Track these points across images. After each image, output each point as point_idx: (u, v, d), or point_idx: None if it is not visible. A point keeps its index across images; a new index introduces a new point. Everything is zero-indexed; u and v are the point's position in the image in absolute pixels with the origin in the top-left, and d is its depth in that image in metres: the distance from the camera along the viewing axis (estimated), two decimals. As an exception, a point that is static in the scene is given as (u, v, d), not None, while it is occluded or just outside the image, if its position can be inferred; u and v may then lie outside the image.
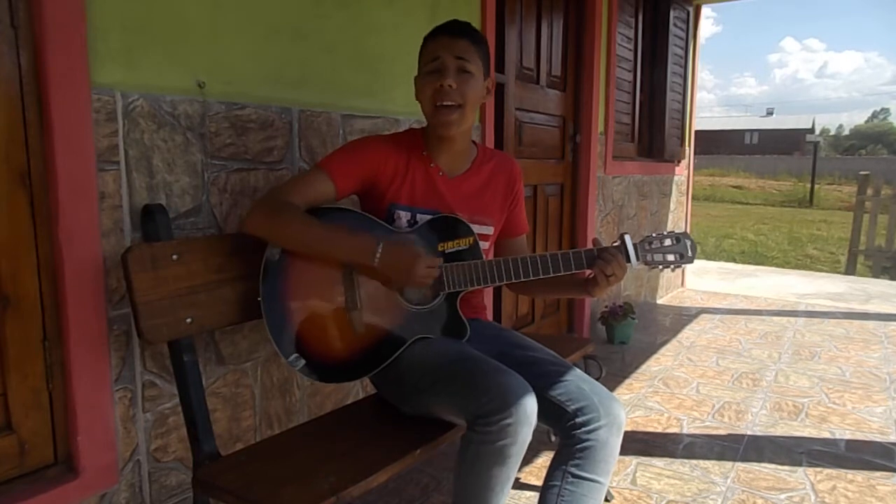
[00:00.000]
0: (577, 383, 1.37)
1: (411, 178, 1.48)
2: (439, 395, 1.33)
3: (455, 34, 1.44)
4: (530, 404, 1.21)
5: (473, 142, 1.60)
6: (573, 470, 1.32)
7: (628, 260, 1.39)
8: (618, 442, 1.35)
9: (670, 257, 1.42)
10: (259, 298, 1.35)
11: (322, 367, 1.39)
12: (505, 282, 1.42)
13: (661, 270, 1.45)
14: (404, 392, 1.43)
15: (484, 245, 1.55)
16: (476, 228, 1.50)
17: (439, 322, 1.46)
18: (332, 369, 1.40)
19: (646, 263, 1.42)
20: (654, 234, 1.43)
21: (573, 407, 1.34)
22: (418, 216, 1.47)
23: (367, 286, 1.40)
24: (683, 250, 1.42)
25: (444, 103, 1.42)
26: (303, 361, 1.36)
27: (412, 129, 1.58)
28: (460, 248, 1.46)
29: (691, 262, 1.43)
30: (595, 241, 1.42)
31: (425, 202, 1.48)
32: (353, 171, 1.42)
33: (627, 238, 1.39)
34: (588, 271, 1.41)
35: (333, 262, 1.38)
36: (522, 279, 1.41)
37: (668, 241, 1.42)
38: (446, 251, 1.45)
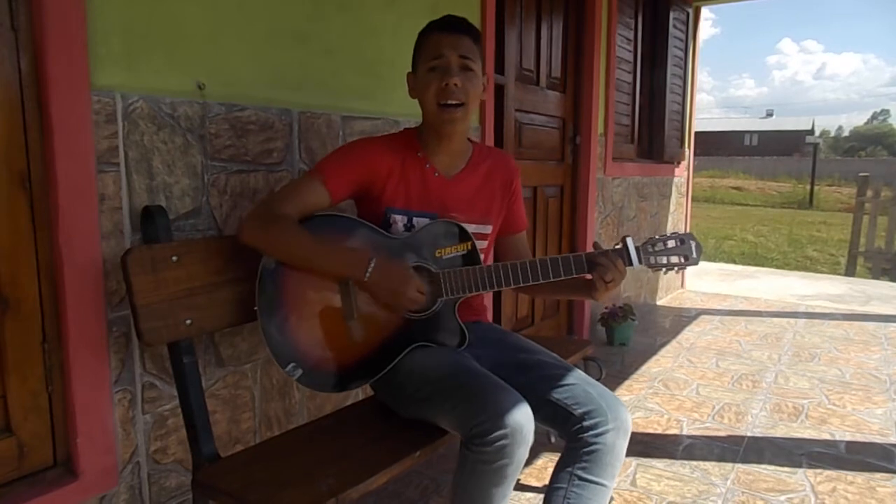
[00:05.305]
0: (583, 387, 1.37)
1: (406, 180, 1.46)
2: (436, 407, 1.33)
3: (458, 31, 1.42)
4: (527, 424, 1.21)
5: (469, 140, 1.58)
6: (580, 473, 1.31)
7: (630, 263, 1.36)
8: (624, 445, 1.34)
9: (674, 259, 1.39)
10: (255, 308, 1.34)
11: (319, 375, 1.38)
12: (503, 287, 1.41)
13: (665, 273, 1.42)
14: (403, 399, 1.43)
15: (483, 244, 1.54)
16: (475, 228, 1.49)
17: (438, 329, 1.44)
18: (329, 378, 1.39)
19: (649, 266, 1.39)
20: (657, 236, 1.40)
21: (580, 411, 1.33)
22: (415, 220, 1.46)
23: (364, 294, 1.38)
24: (688, 252, 1.39)
25: (450, 102, 1.40)
26: (300, 371, 1.34)
27: (407, 129, 1.56)
28: (458, 254, 1.44)
29: (696, 263, 1.39)
30: (595, 245, 1.39)
31: (421, 205, 1.47)
32: (347, 176, 1.41)
33: (629, 241, 1.37)
34: (588, 276, 1.40)
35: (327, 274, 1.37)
36: (521, 284, 1.40)
37: (671, 243, 1.39)
38: (444, 257, 1.43)
